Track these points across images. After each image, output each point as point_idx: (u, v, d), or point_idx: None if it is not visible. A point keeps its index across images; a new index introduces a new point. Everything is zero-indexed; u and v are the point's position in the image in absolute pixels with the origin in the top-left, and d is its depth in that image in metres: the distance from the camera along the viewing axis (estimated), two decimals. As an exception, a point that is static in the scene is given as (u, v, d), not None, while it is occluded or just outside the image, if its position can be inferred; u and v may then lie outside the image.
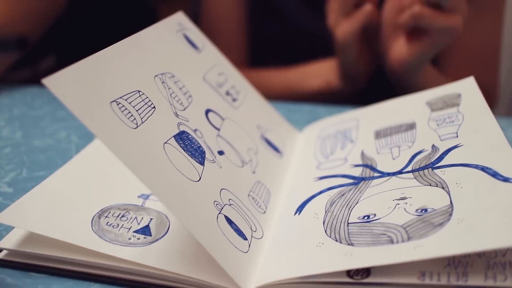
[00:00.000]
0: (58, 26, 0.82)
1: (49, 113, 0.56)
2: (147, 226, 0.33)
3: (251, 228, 0.33)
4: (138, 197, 0.36)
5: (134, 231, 0.33)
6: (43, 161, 0.46)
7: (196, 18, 0.84)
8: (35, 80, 0.78)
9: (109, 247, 0.31)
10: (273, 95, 0.60)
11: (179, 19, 0.43)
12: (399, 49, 0.55)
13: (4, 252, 0.32)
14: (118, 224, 0.33)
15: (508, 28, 1.26)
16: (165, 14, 0.43)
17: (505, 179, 0.29)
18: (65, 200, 0.35)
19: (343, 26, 0.56)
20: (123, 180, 0.37)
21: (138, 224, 0.34)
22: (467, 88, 0.40)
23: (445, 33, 0.52)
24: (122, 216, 0.34)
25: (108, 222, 0.33)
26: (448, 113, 0.39)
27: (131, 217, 0.34)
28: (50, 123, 0.54)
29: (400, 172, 0.35)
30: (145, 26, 0.38)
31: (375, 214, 0.31)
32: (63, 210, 0.34)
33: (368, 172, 0.37)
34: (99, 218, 0.34)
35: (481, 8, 0.63)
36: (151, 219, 0.34)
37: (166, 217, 0.34)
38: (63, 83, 0.27)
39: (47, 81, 0.26)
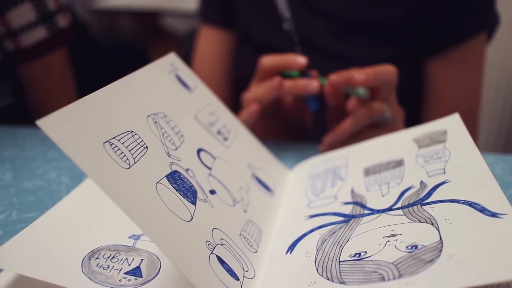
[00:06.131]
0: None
1: (39, 154, 0.56)
2: (138, 267, 0.33)
3: (243, 268, 0.33)
4: (129, 237, 0.36)
5: (124, 273, 0.32)
6: (33, 202, 0.46)
7: (187, 58, 0.87)
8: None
9: (99, 289, 0.30)
10: None
11: (171, 60, 0.44)
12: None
13: (-9, 296, 0.32)
14: (108, 266, 0.33)
15: (494, 71, 1.31)
16: (156, 55, 0.44)
17: (493, 214, 0.29)
18: (55, 242, 0.35)
19: (242, 114, 0.56)
20: (113, 221, 0.37)
21: (129, 265, 0.33)
22: (453, 124, 0.41)
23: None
24: (113, 257, 0.34)
25: (98, 264, 0.33)
26: (435, 149, 0.39)
27: (122, 258, 0.34)
28: (41, 164, 0.54)
29: (390, 209, 0.35)
30: (136, 66, 0.39)
31: (366, 252, 0.31)
32: (52, 252, 0.33)
33: (358, 210, 0.37)
34: (89, 260, 0.33)
35: (464, 64, 0.68)
36: (142, 260, 0.34)
37: (157, 257, 0.34)
38: (57, 124, 0.28)
39: (41, 122, 0.27)
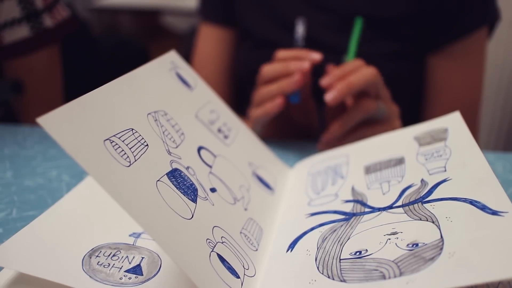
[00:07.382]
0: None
1: (40, 152, 0.56)
2: (139, 265, 0.33)
3: (243, 266, 0.33)
4: (129, 235, 0.36)
5: (125, 271, 0.32)
6: (34, 200, 0.46)
7: (188, 56, 0.87)
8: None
9: (100, 287, 0.30)
10: None
11: (172, 57, 0.44)
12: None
13: (-8, 294, 0.32)
14: (109, 264, 0.33)
15: (495, 69, 1.31)
16: (156, 53, 0.44)
17: (494, 212, 0.29)
18: (55, 240, 0.35)
19: (250, 118, 0.57)
20: (113, 219, 0.37)
21: (130, 263, 0.33)
22: (454, 122, 0.41)
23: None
24: (113, 255, 0.34)
25: (99, 262, 0.33)
26: (436, 147, 0.39)
27: (122, 256, 0.34)
28: (41, 162, 0.53)
29: (391, 207, 0.35)
30: (137, 64, 0.39)
31: (366, 250, 0.31)
32: (53, 250, 0.33)
33: (359, 208, 0.37)
34: (90, 258, 0.33)
35: (465, 59, 0.68)
36: (143, 258, 0.34)
37: (158, 256, 0.34)
38: (57, 122, 0.28)
39: (41, 120, 0.27)
